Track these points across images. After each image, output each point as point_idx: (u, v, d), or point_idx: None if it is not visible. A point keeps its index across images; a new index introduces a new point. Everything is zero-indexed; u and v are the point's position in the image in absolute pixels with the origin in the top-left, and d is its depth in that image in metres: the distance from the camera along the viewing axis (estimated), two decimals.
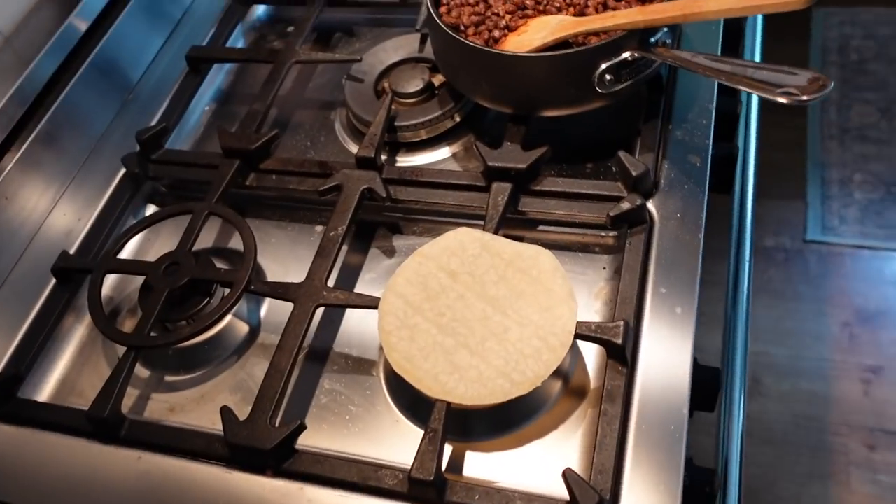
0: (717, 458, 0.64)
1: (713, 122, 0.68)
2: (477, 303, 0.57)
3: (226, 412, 0.56)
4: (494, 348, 0.55)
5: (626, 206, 0.61)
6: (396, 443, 0.58)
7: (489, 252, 0.59)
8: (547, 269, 0.58)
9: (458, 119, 0.75)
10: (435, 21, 0.68)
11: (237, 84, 0.89)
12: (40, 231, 0.73)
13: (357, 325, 0.65)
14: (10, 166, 0.72)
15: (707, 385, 0.58)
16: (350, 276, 0.68)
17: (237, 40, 0.92)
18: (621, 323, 0.55)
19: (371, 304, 0.60)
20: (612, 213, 0.61)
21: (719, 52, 0.73)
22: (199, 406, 0.63)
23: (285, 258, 0.71)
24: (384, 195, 0.67)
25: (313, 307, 0.61)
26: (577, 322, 0.55)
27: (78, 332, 0.70)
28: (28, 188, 0.74)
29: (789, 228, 1.72)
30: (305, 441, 0.57)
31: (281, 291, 0.62)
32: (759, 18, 0.92)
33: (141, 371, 0.65)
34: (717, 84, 0.71)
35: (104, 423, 0.58)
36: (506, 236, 0.61)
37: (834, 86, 1.73)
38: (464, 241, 0.60)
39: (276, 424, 0.56)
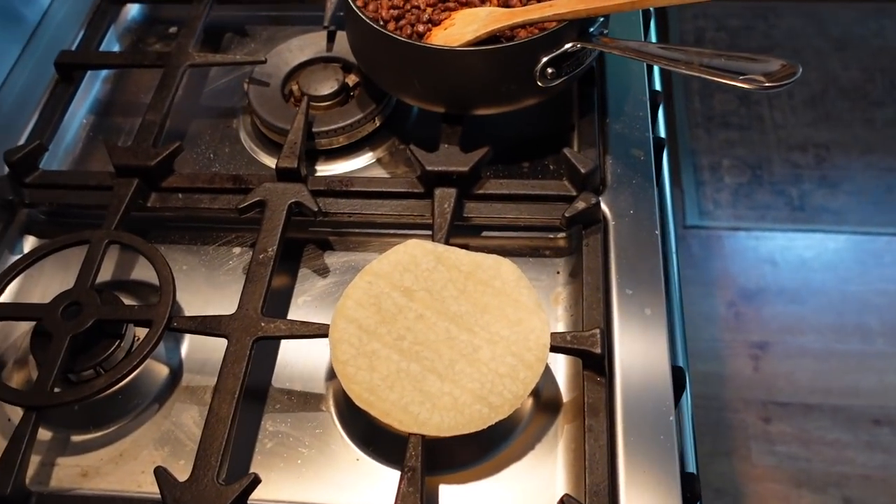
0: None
1: (649, 114, 0.67)
2: (439, 322, 0.52)
3: (161, 474, 0.48)
4: (466, 370, 0.50)
5: (581, 205, 0.58)
6: (358, 484, 0.52)
7: (445, 265, 0.55)
8: (510, 280, 0.54)
9: (378, 122, 0.70)
10: (355, 14, 0.62)
11: (117, 93, 0.79)
12: None
13: (297, 357, 0.58)
14: None
15: (676, 386, 0.56)
16: (279, 302, 0.61)
17: (111, 44, 0.82)
18: (597, 331, 0.51)
19: (320, 332, 0.53)
20: (567, 214, 0.58)
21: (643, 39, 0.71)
22: (118, 467, 0.54)
23: (202, 287, 0.63)
24: (315, 209, 0.61)
25: (251, 341, 0.53)
26: (551, 334, 0.51)
27: None
28: None
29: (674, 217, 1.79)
30: (255, 495, 0.50)
31: (211, 326, 0.55)
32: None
33: (41, 433, 0.55)
34: (646, 75, 0.70)
35: (7, 502, 0.48)
36: (452, 245, 0.57)
37: None
38: (416, 255, 0.55)
39: (223, 481, 0.49)
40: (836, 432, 1.39)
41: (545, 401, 0.55)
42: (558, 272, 0.61)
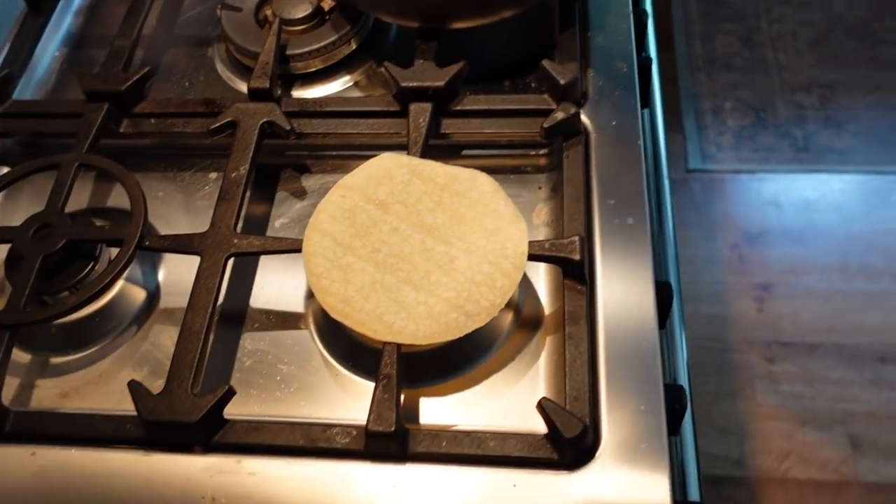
0: (667, 375, 0.62)
1: (632, 27, 0.65)
2: (414, 234, 0.51)
3: (135, 386, 0.48)
4: (442, 280, 0.49)
5: (560, 115, 0.56)
6: (339, 399, 0.51)
7: (420, 178, 0.53)
8: (487, 191, 0.52)
9: (354, 45, 0.68)
10: None
11: (90, 25, 0.77)
12: None
13: (275, 276, 0.57)
14: None
15: (661, 300, 0.55)
16: (257, 225, 0.60)
17: None
18: (576, 238, 0.50)
19: (293, 247, 0.52)
20: (545, 125, 0.56)
21: None
22: (97, 388, 0.53)
23: (179, 212, 0.62)
24: (288, 128, 0.59)
25: (224, 258, 0.52)
26: (529, 242, 0.50)
27: None
28: None
29: (672, 160, 1.76)
30: (233, 410, 0.49)
31: (183, 244, 0.54)
32: None
33: (19, 356, 0.55)
34: None
35: None
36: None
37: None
38: (390, 168, 0.54)
39: (198, 393, 0.48)
40: (840, 370, 1.38)
41: (526, 315, 0.54)
42: (540, 188, 0.59)
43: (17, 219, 0.62)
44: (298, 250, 0.52)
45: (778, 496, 1.28)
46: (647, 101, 0.74)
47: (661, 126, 0.81)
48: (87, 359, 0.55)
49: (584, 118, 0.59)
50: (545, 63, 0.59)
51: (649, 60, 0.68)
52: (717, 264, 1.52)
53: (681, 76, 1.84)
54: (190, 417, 0.46)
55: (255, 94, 0.61)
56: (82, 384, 0.53)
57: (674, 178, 1.69)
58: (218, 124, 0.59)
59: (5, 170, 0.65)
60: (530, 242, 0.50)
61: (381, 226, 0.51)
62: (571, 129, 0.57)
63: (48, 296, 0.55)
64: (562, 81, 0.58)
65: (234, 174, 0.56)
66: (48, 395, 0.53)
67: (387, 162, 0.54)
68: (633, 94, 0.60)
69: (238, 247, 0.53)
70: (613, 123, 0.59)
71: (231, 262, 0.54)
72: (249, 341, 0.54)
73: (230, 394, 0.47)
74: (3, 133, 0.65)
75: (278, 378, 0.52)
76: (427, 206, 0.52)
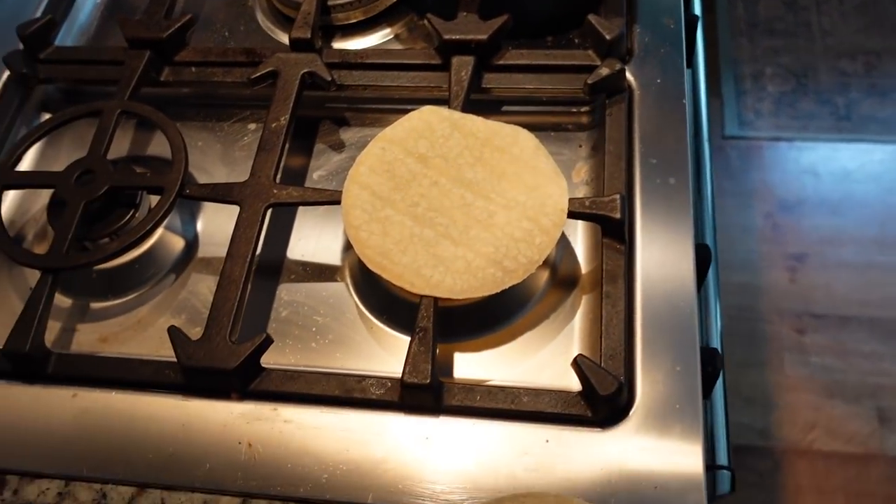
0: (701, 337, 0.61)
1: None
2: (454, 188, 0.51)
3: (175, 332, 0.48)
4: (481, 235, 0.49)
5: (604, 71, 0.55)
6: (374, 352, 0.52)
7: (461, 132, 0.53)
8: (528, 147, 0.52)
9: None
10: None
11: None
12: None
13: (312, 228, 0.57)
14: None
15: (699, 262, 0.54)
16: (295, 176, 0.60)
17: None
18: (617, 196, 0.49)
19: (331, 198, 0.52)
20: (589, 81, 0.55)
21: None
22: (136, 334, 0.54)
23: (217, 162, 0.62)
24: (329, 79, 0.59)
25: (263, 207, 0.53)
26: (570, 199, 0.49)
27: None
28: None
29: (709, 126, 1.73)
30: (269, 359, 0.50)
31: (223, 193, 0.54)
32: None
33: (61, 300, 0.56)
34: None
35: (26, 359, 0.49)
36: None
37: None
38: (431, 122, 0.53)
39: (236, 341, 0.49)
40: (872, 344, 1.36)
41: (563, 273, 0.53)
42: (580, 146, 0.59)
43: (58, 165, 0.63)
44: (337, 202, 0.52)
45: (802, 467, 1.27)
46: (691, 60, 0.73)
47: (702, 88, 0.79)
48: (126, 305, 0.55)
49: (628, 75, 0.58)
50: (591, 17, 0.58)
51: (696, 18, 0.66)
52: (751, 233, 1.50)
53: (721, 39, 1.80)
54: (228, 364, 0.46)
55: (297, 45, 0.60)
56: (121, 330, 0.54)
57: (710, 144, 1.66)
58: (259, 74, 0.59)
59: (47, 116, 0.66)
60: (570, 200, 0.50)
61: (421, 179, 0.51)
62: (615, 86, 0.56)
63: (89, 241, 0.55)
64: (608, 37, 0.57)
65: (274, 124, 0.56)
66: (88, 339, 0.54)
67: (428, 115, 0.54)
68: (679, 51, 0.59)
69: (277, 197, 0.53)
70: (658, 81, 0.58)
71: (269, 212, 0.54)
72: (286, 292, 0.55)
73: (268, 342, 0.48)
74: (44, 79, 0.65)
75: (314, 329, 0.53)
76: (467, 160, 0.52)
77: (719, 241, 1.59)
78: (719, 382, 0.63)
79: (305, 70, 0.59)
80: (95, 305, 0.56)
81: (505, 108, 0.61)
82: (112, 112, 0.58)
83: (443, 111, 0.54)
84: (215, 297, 0.49)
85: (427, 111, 0.54)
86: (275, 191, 0.53)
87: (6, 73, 0.64)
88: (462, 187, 0.51)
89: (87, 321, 0.55)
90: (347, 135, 0.62)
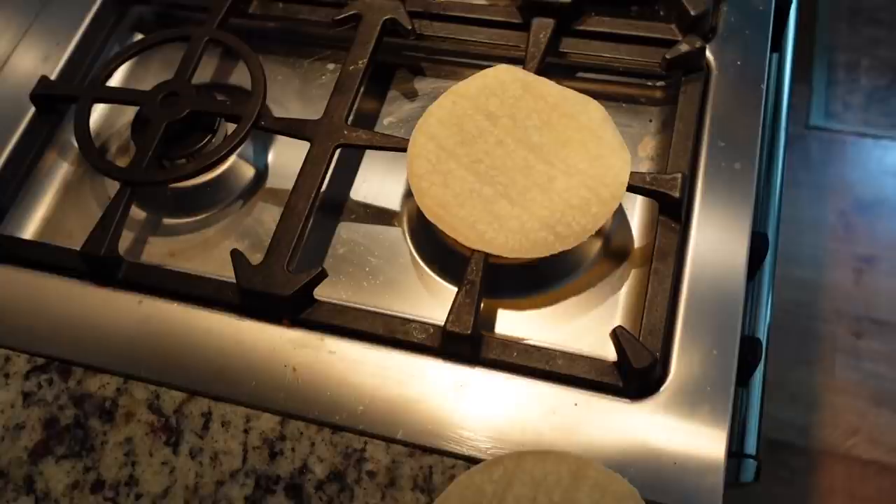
0: (746, 328, 0.61)
1: None
2: (518, 149, 0.51)
3: (237, 256, 0.51)
4: (538, 198, 0.50)
5: (684, 48, 0.55)
6: (421, 298, 0.54)
7: (532, 94, 0.53)
8: (596, 118, 0.52)
9: None
10: None
11: None
12: (14, 53, 0.65)
13: (377, 172, 0.59)
14: None
15: (754, 251, 0.54)
16: (366, 120, 0.62)
17: None
18: (679, 175, 0.50)
19: (398, 145, 0.54)
20: (668, 56, 0.55)
21: None
22: (202, 252, 0.57)
23: (294, 98, 0.64)
24: (409, 28, 0.60)
25: (333, 147, 0.54)
26: (631, 173, 0.50)
27: (62, 168, 0.62)
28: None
29: (792, 113, 1.67)
30: (322, 292, 0.52)
31: (296, 128, 0.56)
32: None
33: (136, 213, 0.59)
34: None
35: (100, 262, 0.53)
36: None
37: None
38: (504, 81, 0.54)
39: (293, 271, 0.51)
40: None
41: (615, 244, 0.54)
42: (650, 120, 0.59)
43: (146, 84, 0.66)
44: (403, 150, 0.53)
45: (837, 471, 1.26)
46: (778, 45, 0.71)
47: (787, 74, 0.77)
48: (195, 224, 0.58)
49: (708, 54, 0.57)
50: None
51: (789, 1, 0.65)
52: (821, 229, 1.46)
53: (819, 23, 1.73)
54: (283, 291, 0.49)
55: None
56: (189, 247, 0.58)
57: (791, 133, 1.62)
58: (342, 16, 0.61)
59: (139, 37, 0.69)
60: (632, 173, 0.50)
61: (487, 137, 0.52)
62: (693, 63, 0.56)
63: (167, 160, 0.58)
64: (692, 12, 0.56)
65: (351, 67, 0.58)
66: (158, 251, 0.58)
67: (502, 74, 0.54)
68: (765, 35, 0.58)
69: (347, 138, 0.55)
70: (738, 63, 0.57)
71: (338, 152, 0.56)
72: (345, 231, 0.57)
73: (322, 275, 0.50)
74: (138, 0, 0.67)
75: (367, 269, 0.55)
76: (535, 123, 0.52)
77: (786, 232, 1.55)
78: (759, 373, 0.63)
79: (387, 17, 0.60)
80: (167, 221, 0.59)
81: (579, 74, 0.61)
82: (200, 39, 0.60)
83: (517, 71, 0.54)
84: (278, 227, 0.52)
85: (501, 70, 0.54)
86: (345, 132, 0.55)
87: None
88: (526, 149, 0.51)
89: (159, 235, 0.59)
90: (421, 84, 0.63)
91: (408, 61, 0.64)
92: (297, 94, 0.64)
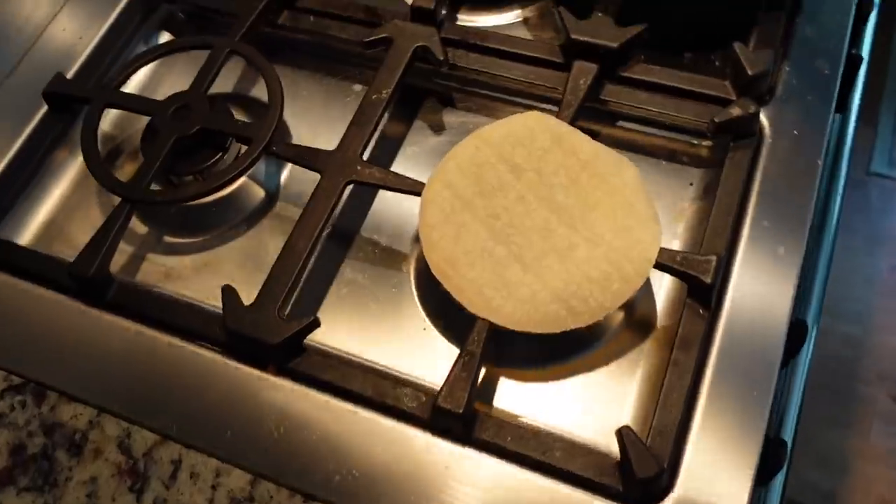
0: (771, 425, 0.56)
1: (851, 21, 0.56)
2: (540, 208, 0.47)
3: (228, 293, 0.48)
4: (554, 267, 0.45)
5: (736, 111, 0.50)
6: (420, 353, 0.50)
7: (563, 148, 0.49)
8: (630, 182, 0.48)
9: None
10: None
11: None
12: (35, 46, 0.62)
13: (390, 210, 0.55)
14: None
15: (791, 342, 0.49)
16: (388, 148, 0.58)
17: None
18: (713, 258, 0.45)
19: (413, 188, 0.50)
20: (717, 119, 0.50)
21: None
22: (199, 274, 0.54)
23: (316, 117, 0.60)
24: (441, 58, 0.56)
25: (344, 182, 0.51)
26: (661, 248, 0.45)
27: (71, 169, 0.60)
28: None
29: (854, 156, 1.59)
30: (317, 333, 0.49)
31: (308, 158, 0.52)
32: None
33: (138, 226, 0.56)
34: None
35: (89, 282, 0.50)
36: (579, 128, 0.51)
37: None
38: (534, 130, 0.50)
39: (286, 315, 0.48)
40: None
41: (637, 320, 0.49)
42: (691, 184, 0.54)
43: (167, 86, 0.63)
44: (417, 193, 0.50)
45: None
46: (844, 105, 0.65)
47: (850, 131, 0.71)
48: (197, 244, 0.56)
49: (763, 118, 0.52)
50: (736, 46, 0.52)
51: (859, 59, 0.59)
52: (872, 283, 1.38)
53: (891, 66, 1.63)
54: (271, 339, 0.46)
55: (418, 14, 0.57)
56: (187, 268, 0.55)
57: (850, 177, 1.53)
58: (372, 38, 0.57)
59: (167, 36, 0.66)
60: (662, 249, 0.45)
61: (508, 191, 0.48)
62: (745, 128, 0.51)
63: (175, 175, 0.55)
64: (750, 71, 0.51)
65: (374, 96, 0.54)
66: (154, 270, 0.55)
67: (532, 122, 0.50)
68: (828, 103, 0.53)
69: (360, 175, 0.51)
70: (795, 132, 0.52)
71: (349, 188, 0.52)
72: (350, 269, 0.53)
73: (314, 325, 0.46)
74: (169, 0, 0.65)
75: (368, 314, 0.51)
76: (562, 181, 0.48)
77: (834, 281, 1.47)
78: (782, 473, 0.58)
79: (420, 44, 0.56)
80: (168, 238, 0.56)
81: (620, 122, 0.57)
82: (221, 50, 0.57)
83: (549, 120, 0.50)
84: (275, 265, 0.48)
85: (532, 117, 0.50)
86: (359, 167, 0.51)
87: None
88: (549, 209, 0.47)
89: (158, 252, 0.56)
90: (450, 117, 0.59)
91: (438, 88, 0.60)
92: (320, 111, 0.61)
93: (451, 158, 0.50)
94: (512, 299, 0.45)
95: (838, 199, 0.66)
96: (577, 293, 0.45)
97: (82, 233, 0.56)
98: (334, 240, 0.54)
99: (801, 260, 0.47)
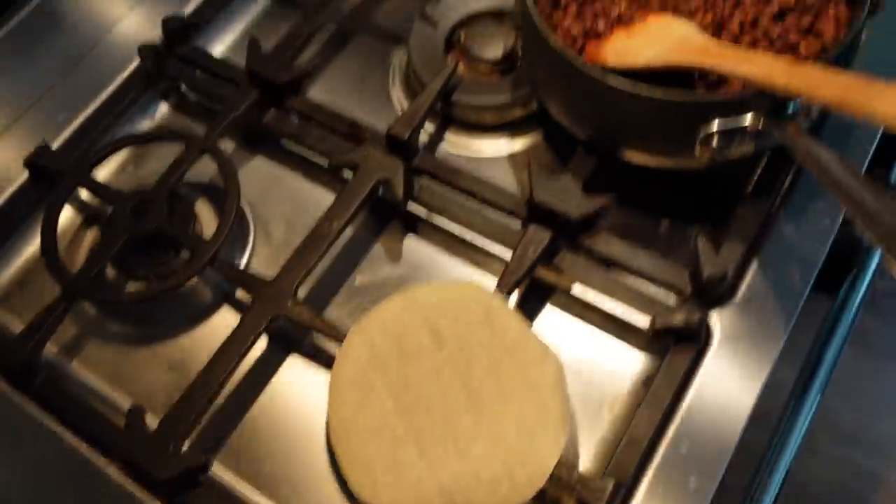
0: None
1: (838, 225, 0.52)
2: (451, 388, 0.46)
3: (133, 414, 0.48)
4: (449, 458, 0.44)
5: (677, 318, 0.47)
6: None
7: (492, 325, 0.47)
8: (549, 380, 0.46)
9: (535, 107, 0.61)
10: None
11: None
12: (31, 110, 0.64)
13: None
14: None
15: None
16: (341, 267, 0.57)
17: None
18: (611, 484, 0.43)
19: (335, 335, 0.49)
20: (657, 324, 0.47)
21: (865, 166, 0.54)
22: (131, 371, 0.54)
23: (292, 214, 0.59)
24: (399, 199, 0.55)
25: (269, 317, 0.50)
26: (557, 466, 0.43)
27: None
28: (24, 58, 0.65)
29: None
30: (218, 469, 0.49)
31: (243, 283, 0.53)
32: None
33: (87, 305, 0.57)
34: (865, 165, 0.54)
35: (17, 368, 0.51)
36: (522, 291, 0.49)
37: None
38: (467, 301, 0.48)
39: (192, 444, 0.48)
40: None
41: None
42: (631, 369, 0.51)
43: (148, 164, 0.64)
44: (340, 340, 0.49)
45: None
46: (837, 289, 0.61)
47: (853, 311, 0.66)
48: (136, 337, 0.56)
49: (715, 321, 0.49)
50: (700, 242, 0.49)
51: (851, 265, 0.55)
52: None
53: None
54: (158, 473, 0.46)
55: (392, 142, 0.56)
56: (121, 361, 0.55)
57: (880, 290, 1.43)
58: (338, 162, 0.56)
59: (165, 107, 0.67)
60: (558, 464, 0.43)
61: (426, 360, 0.47)
62: (687, 335, 0.48)
63: (128, 268, 0.56)
64: (705, 273, 0.48)
65: (325, 225, 0.53)
66: (92, 358, 0.55)
67: (469, 291, 0.49)
68: (789, 316, 0.49)
69: (288, 311, 0.51)
70: (745, 343, 0.48)
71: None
72: (259, 412, 0.52)
73: (203, 468, 0.46)
74: (171, 76, 0.65)
75: (274, 458, 0.50)
76: (481, 363, 0.46)
77: (862, 410, 1.38)
78: None
79: (382, 176, 0.55)
80: (112, 326, 0.57)
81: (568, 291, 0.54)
82: (194, 148, 0.57)
83: (482, 294, 0.48)
84: (178, 400, 0.48)
85: (468, 288, 0.49)
86: (289, 304, 0.51)
87: (135, 63, 0.65)
88: (461, 389, 0.46)
89: (98, 338, 0.56)
90: (409, 247, 0.58)
91: (403, 214, 0.58)
92: (298, 210, 0.59)
93: (378, 314, 0.49)
94: (396, 485, 0.44)
95: (811, 408, 0.60)
96: (465, 492, 0.43)
97: (31, 307, 0.55)
98: (249, 380, 0.53)
99: (712, 496, 0.44)
